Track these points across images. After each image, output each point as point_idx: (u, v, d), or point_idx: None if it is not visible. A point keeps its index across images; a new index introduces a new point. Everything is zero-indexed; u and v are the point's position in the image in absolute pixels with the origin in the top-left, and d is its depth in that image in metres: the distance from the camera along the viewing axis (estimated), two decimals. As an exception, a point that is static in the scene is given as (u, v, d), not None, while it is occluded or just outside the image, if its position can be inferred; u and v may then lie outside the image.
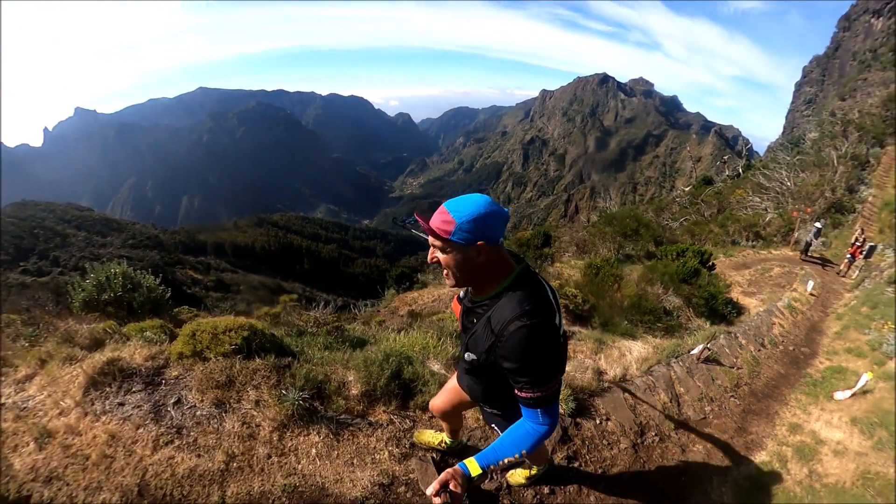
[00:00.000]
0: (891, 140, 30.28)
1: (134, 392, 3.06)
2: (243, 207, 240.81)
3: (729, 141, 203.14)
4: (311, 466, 2.70)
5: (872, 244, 14.27)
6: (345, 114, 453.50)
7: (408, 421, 3.21)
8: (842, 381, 5.22)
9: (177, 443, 2.73)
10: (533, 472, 2.87)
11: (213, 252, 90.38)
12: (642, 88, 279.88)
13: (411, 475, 2.76)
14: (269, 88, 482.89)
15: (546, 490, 2.82)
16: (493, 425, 2.21)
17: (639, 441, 3.42)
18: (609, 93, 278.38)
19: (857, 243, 14.25)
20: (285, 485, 2.58)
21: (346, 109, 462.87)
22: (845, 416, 4.29)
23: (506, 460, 1.70)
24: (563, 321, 5.20)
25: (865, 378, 4.82)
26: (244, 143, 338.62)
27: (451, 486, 1.54)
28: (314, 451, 2.76)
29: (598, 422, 3.43)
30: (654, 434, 3.54)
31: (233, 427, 2.84)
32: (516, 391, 1.72)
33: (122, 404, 2.95)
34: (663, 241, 13.57)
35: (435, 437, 3.04)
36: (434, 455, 2.97)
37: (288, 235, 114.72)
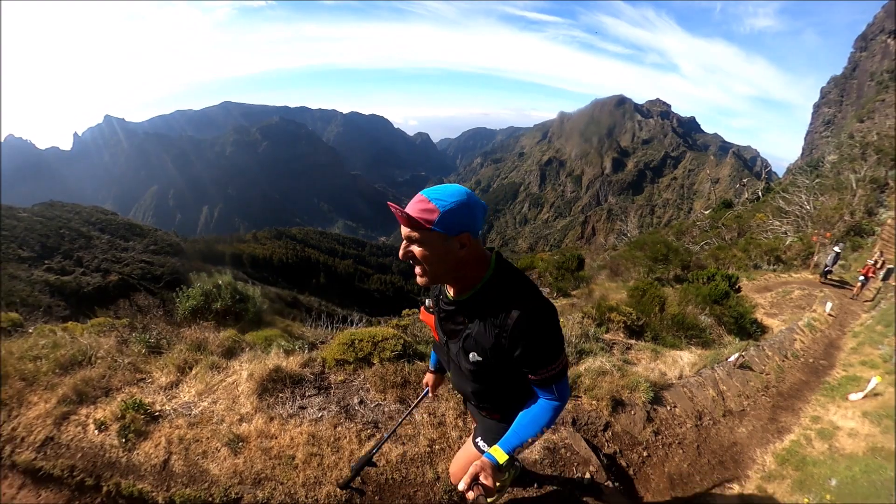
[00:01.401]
0: (910, 163, 30.34)
1: (309, 396, 3.48)
2: (262, 220, 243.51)
3: (747, 162, 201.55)
4: None
5: (891, 266, 14.57)
6: (365, 132, 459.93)
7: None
8: (856, 387, 5.89)
9: (378, 436, 3.16)
10: (505, 478, 2.74)
11: (231, 262, 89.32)
12: (659, 109, 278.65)
13: (566, 440, 3.38)
14: (293, 105, 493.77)
15: (645, 453, 3.50)
16: (478, 440, 2.20)
17: (699, 423, 4.22)
18: (626, 114, 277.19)
19: (871, 262, 14.55)
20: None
21: (366, 127, 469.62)
22: (858, 412, 5.04)
23: (529, 440, 1.71)
24: (620, 335, 5.83)
25: (875, 381, 5.55)
26: (265, 158, 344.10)
27: (482, 479, 1.55)
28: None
29: (668, 408, 4.21)
30: (708, 419, 4.31)
31: (422, 418, 3.37)
32: (529, 375, 1.72)
33: (303, 407, 3.34)
34: (690, 265, 14.09)
35: None
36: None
37: (305, 249, 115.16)
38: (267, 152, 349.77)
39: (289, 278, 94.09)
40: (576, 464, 3.10)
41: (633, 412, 3.77)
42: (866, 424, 4.64)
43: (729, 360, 5.65)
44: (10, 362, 3.36)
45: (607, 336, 5.79)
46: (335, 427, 3.19)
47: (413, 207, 1.58)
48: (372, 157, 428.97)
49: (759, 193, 43.05)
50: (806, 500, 3.05)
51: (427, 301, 2.00)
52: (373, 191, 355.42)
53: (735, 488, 3.37)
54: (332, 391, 3.57)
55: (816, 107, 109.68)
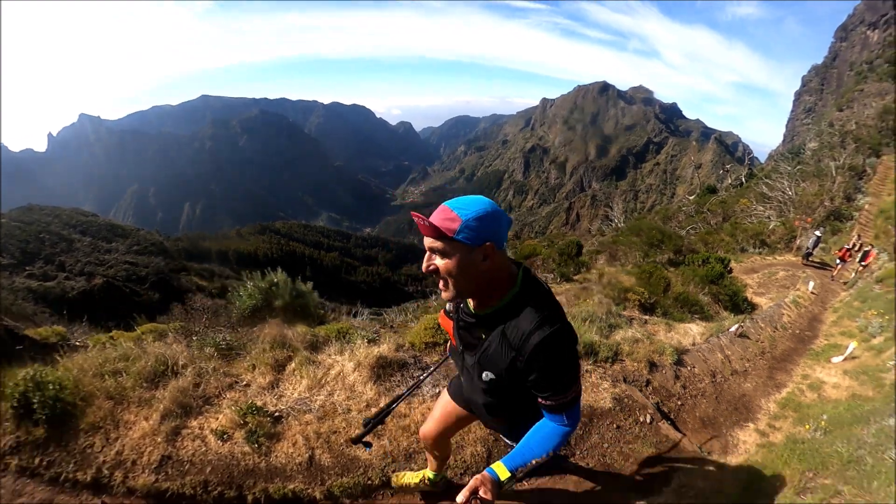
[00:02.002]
0: (886, 150, 31.74)
1: (417, 376, 3.72)
2: (245, 215, 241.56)
3: (729, 147, 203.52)
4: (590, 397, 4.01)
5: (867, 249, 15.62)
6: (347, 122, 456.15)
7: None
8: (837, 352, 6.91)
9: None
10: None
11: (216, 259, 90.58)
12: (642, 96, 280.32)
13: (627, 392, 4.12)
14: (272, 96, 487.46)
15: (679, 403, 4.39)
16: (501, 434, 2.23)
17: (714, 379, 5.14)
18: (609, 101, 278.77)
19: (846, 247, 15.71)
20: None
21: (348, 118, 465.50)
22: (839, 371, 6.05)
23: (533, 461, 1.68)
24: (635, 312, 6.64)
25: (852, 346, 6.61)
26: (246, 151, 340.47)
27: (482, 493, 1.52)
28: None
29: (688, 368, 5.11)
30: (720, 376, 5.22)
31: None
32: (540, 399, 1.70)
33: (418, 386, 3.38)
34: (682, 249, 15.02)
35: (415, 476, 2.97)
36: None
37: (290, 243, 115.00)
38: (247, 146, 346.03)
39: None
40: (637, 409, 3.90)
41: (664, 371, 4.65)
42: (846, 379, 5.62)
43: (730, 330, 6.55)
44: (86, 380, 3.22)
45: (625, 313, 6.61)
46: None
47: (436, 217, 1.57)
48: (354, 148, 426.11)
49: (743, 179, 44.19)
50: (807, 427, 3.95)
51: (448, 305, 1.98)
52: (356, 182, 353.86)
53: (750, 426, 4.28)
54: (434, 371, 3.98)
55: (798, 95, 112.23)
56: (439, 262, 1.59)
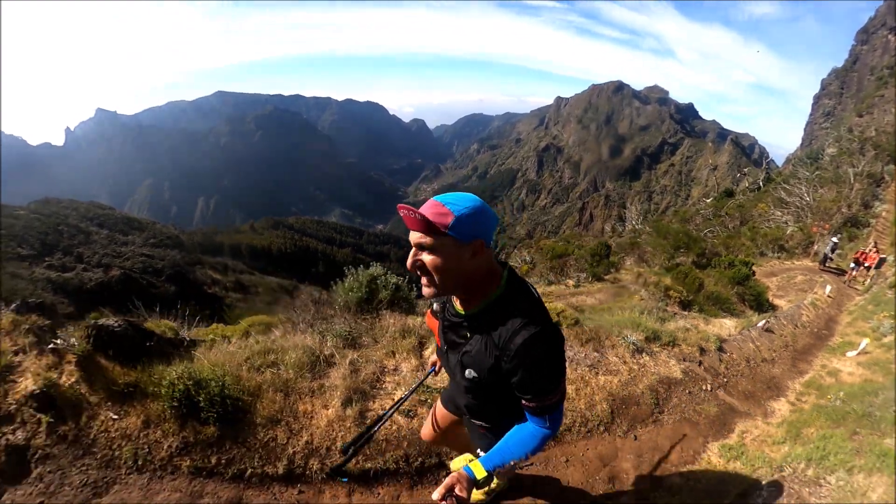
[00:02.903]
0: (905, 158, 31.96)
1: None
2: (258, 210, 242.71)
3: (745, 149, 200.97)
4: (656, 369, 4.93)
5: (884, 256, 16.11)
6: (360, 119, 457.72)
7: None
8: (851, 348, 7.79)
9: (598, 371, 4.47)
10: (494, 486, 2.79)
11: (229, 253, 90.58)
12: (657, 96, 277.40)
13: (690, 367, 5.09)
14: (286, 93, 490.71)
15: (724, 380, 5.38)
16: (475, 441, 2.18)
17: (748, 364, 6.11)
18: (624, 100, 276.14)
19: (864, 250, 16.07)
20: (649, 383, 4.56)
21: (361, 115, 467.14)
22: (853, 363, 6.98)
23: (512, 462, 1.68)
24: (675, 307, 7.55)
25: (865, 342, 7.56)
26: (260, 147, 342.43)
27: (457, 490, 1.53)
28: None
29: (728, 354, 6.09)
30: (753, 362, 6.20)
31: (612, 359, 4.70)
32: (523, 401, 1.69)
33: (574, 361, 4.52)
34: (706, 253, 15.86)
35: (463, 459, 2.85)
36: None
37: (303, 238, 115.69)
38: (262, 142, 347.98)
39: (288, 268, 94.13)
40: (699, 380, 4.93)
41: (710, 355, 5.65)
42: (860, 369, 6.58)
43: (758, 325, 7.49)
44: (246, 375, 3.41)
45: (668, 308, 7.54)
46: (583, 370, 4.46)
47: (427, 210, 1.55)
48: (367, 145, 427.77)
49: (760, 183, 44.51)
50: (828, 398, 4.92)
51: (434, 305, 2.01)
52: (369, 179, 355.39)
53: (782, 399, 5.26)
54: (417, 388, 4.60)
55: (817, 98, 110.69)
56: (426, 257, 1.58)
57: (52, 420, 2.85)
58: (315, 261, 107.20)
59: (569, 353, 4.61)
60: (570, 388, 4.04)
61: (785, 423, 4.46)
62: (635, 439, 3.75)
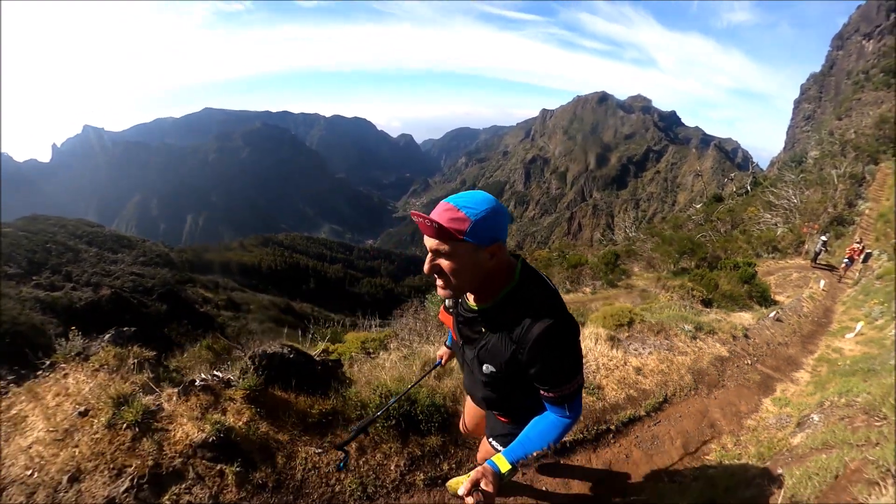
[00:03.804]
0: (884, 157, 33.07)
1: (637, 340, 5.44)
2: (247, 227, 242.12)
3: (728, 154, 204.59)
4: (709, 350, 5.63)
5: (869, 251, 17.13)
6: (348, 135, 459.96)
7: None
8: (848, 331, 8.97)
9: (674, 353, 5.32)
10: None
11: (219, 271, 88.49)
12: (640, 105, 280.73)
13: (733, 348, 5.95)
14: (274, 109, 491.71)
15: (754, 359, 6.29)
16: (492, 440, 2.18)
17: (768, 347, 7.15)
18: (608, 110, 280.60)
19: (855, 245, 16.90)
20: (710, 360, 5.42)
21: (349, 130, 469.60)
22: (852, 342, 8.14)
23: (535, 453, 1.66)
24: (698, 305, 8.27)
25: (860, 325, 8.88)
26: (249, 164, 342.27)
27: (483, 485, 1.51)
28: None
29: (751, 339, 7.12)
30: (772, 345, 7.22)
31: (678, 344, 5.61)
32: (542, 392, 1.69)
33: (640, 345, 5.32)
34: (707, 257, 16.70)
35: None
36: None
37: (294, 255, 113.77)
38: (250, 158, 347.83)
39: (279, 285, 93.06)
40: (741, 357, 6.03)
41: (740, 340, 6.62)
42: (858, 346, 7.75)
43: (770, 316, 8.39)
44: (432, 384, 3.57)
45: (693, 306, 8.32)
46: (649, 355, 5.22)
47: (441, 216, 1.51)
48: (356, 160, 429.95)
49: (748, 187, 45.44)
50: (839, 364, 5.82)
51: (447, 301, 1.98)
52: (358, 194, 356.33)
53: (801, 371, 6.18)
54: (640, 340, 5.58)
55: (797, 103, 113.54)
56: (444, 262, 1.57)
57: (238, 469, 2.63)
58: (306, 277, 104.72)
59: (648, 341, 5.60)
60: (662, 365, 5.01)
61: (811, 383, 5.58)
62: (715, 398, 4.74)
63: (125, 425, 2.64)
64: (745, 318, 8.10)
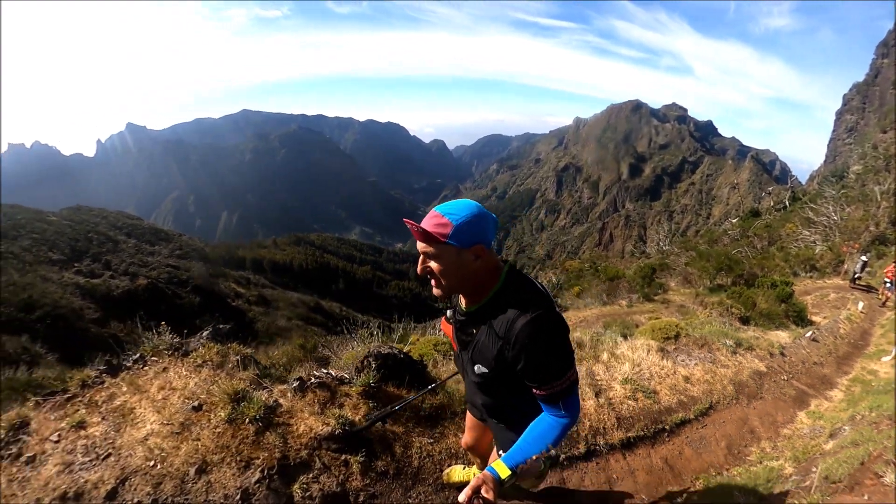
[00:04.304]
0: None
1: (678, 354, 5.82)
2: (280, 226, 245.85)
3: (766, 166, 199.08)
4: (748, 364, 6.07)
5: None
6: (381, 139, 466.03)
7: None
8: (885, 354, 9.07)
9: (717, 366, 5.70)
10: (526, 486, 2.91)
11: (252, 268, 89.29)
12: (676, 114, 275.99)
13: (771, 364, 6.29)
14: (310, 113, 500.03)
15: (790, 375, 6.65)
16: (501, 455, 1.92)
17: (804, 365, 7.47)
18: (642, 119, 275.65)
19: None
20: (749, 373, 5.83)
21: (382, 135, 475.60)
22: (887, 365, 8.31)
23: (533, 457, 1.68)
24: (736, 322, 8.60)
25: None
26: (284, 165, 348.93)
27: (483, 492, 1.53)
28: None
29: (787, 357, 7.42)
30: (807, 364, 7.54)
31: (720, 357, 6.01)
32: (534, 390, 1.72)
33: (687, 357, 5.77)
34: (744, 274, 16.77)
35: (466, 472, 3.07)
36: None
37: (324, 255, 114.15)
38: (285, 159, 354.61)
39: (309, 284, 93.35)
40: (778, 373, 6.49)
41: (776, 357, 6.90)
42: (892, 370, 7.91)
43: (806, 336, 8.64)
44: None
45: (732, 323, 8.65)
46: (695, 366, 5.61)
47: (428, 223, 1.66)
48: (388, 165, 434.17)
49: (786, 202, 44.69)
50: (872, 385, 6.05)
51: (448, 312, 2.06)
52: (389, 198, 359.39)
53: (836, 389, 6.51)
54: (686, 352, 6.04)
55: (839, 114, 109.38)
56: (433, 264, 1.70)
57: (363, 459, 2.89)
58: (335, 278, 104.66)
59: (694, 353, 6.08)
60: (707, 376, 5.45)
61: (844, 401, 5.92)
62: (754, 408, 5.19)
63: (247, 420, 2.86)
64: (781, 336, 8.38)
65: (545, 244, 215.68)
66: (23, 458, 2.77)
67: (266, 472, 2.69)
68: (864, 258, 18.69)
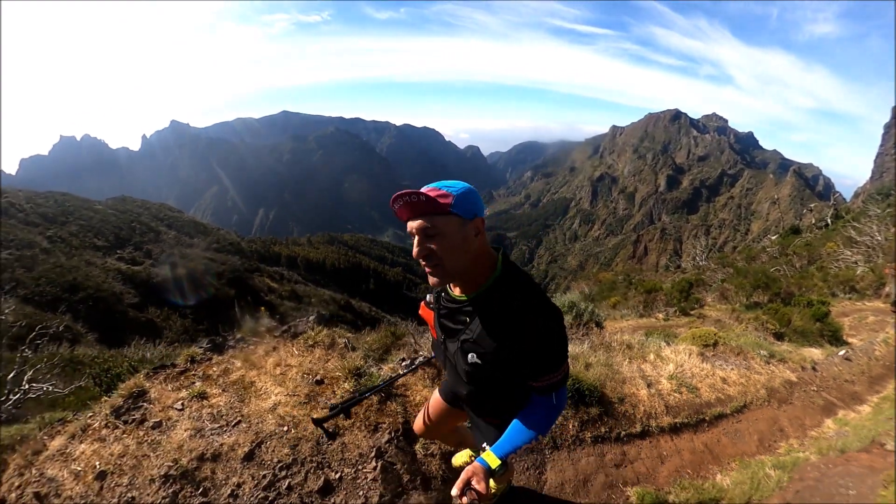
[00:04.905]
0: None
1: (715, 359, 6.30)
2: (314, 225, 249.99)
3: (808, 181, 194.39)
4: (780, 374, 6.58)
5: None
6: (416, 144, 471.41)
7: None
8: None
9: (751, 372, 6.17)
10: (494, 489, 2.76)
11: (286, 264, 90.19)
12: (715, 125, 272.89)
13: (807, 373, 6.70)
14: (347, 116, 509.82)
15: (820, 388, 7.00)
16: (484, 445, 1.90)
17: (835, 381, 7.75)
18: (681, 129, 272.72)
19: None
20: (781, 381, 6.41)
21: (417, 139, 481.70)
22: None
23: (523, 446, 1.69)
24: (770, 338, 9.06)
25: None
26: (320, 165, 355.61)
27: (474, 483, 1.53)
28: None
29: (818, 372, 7.76)
30: (839, 381, 7.84)
31: (754, 365, 6.71)
32: (530, 382, 1.71)
33: (724, 362, 6.23)
34: (781, 292, 16.95)
35: (465, 455, 3.07)
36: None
37: (357, 255, 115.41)
38: (322, 160, 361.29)
39: (340, 282, 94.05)
40: (807, 384, 6.97)
41: (808, 371, 7.28)
42: None
43: (839, 354, 8.93)
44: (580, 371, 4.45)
45: (766, 338, 9.09)
46: (742, 370, 6.23)
47: (427, 193, 1.55)
48: (422, 169, 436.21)
49: (828, 220, 43.73)
50: None
51: (428, 297, 2.00)
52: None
53: (863, 406, 6.80)
54: (723, 358, 6.71)
55: (887, 127, 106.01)
56: (435, 242, 1.59)
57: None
58: (367, 278, 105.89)
59: (730, 360, 6.65)
60: (742, 379, 5.97)
61: (872, 411, 6.41)
62: (784, 411, 5.72)
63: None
64: (814, 353, 8.73)
65: (578, 255, 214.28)
66: (148, 423, 3.14)
67: (393, 433, 3.21)
68: (907, 281, 18.38)
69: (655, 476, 3.75)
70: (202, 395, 3.41)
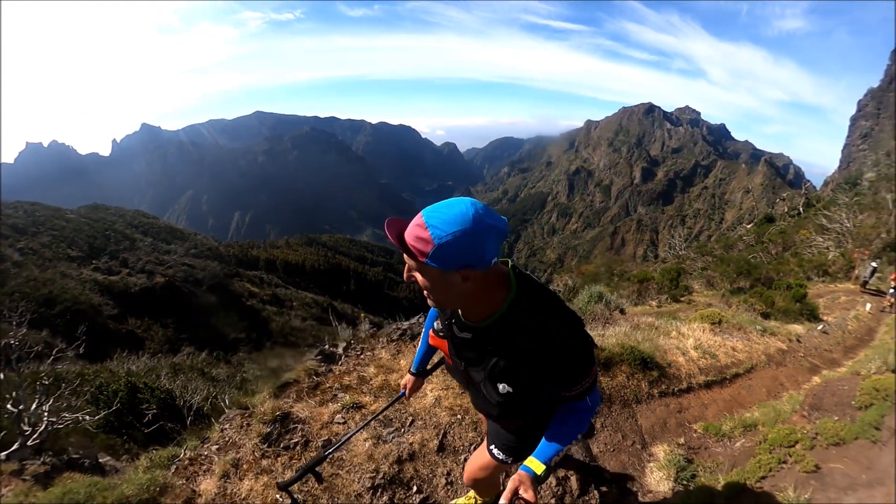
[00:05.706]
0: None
1: (726, 332, 7.28)
2: (292, 227, 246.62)
3: (780, 170, 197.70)
4: (774, 344, 7.51)
5: None
6: (393, 141, 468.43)
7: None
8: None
9: (751, 342, 7.37)
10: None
11: (264, 267, 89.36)
12: (689, 117, 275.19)
13: (790, 346, 7.60)
14: (322, 115, 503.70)
15: (810, 357, 7.99)
16: (493, 449, 2.14)
17: (816, 350, 9.01)
18: (655, 122, 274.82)
19: None
20: (775, 349, 7.35)
21: (394, 137, 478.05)
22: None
23: (564, 450, 1.70)
24: (759, 317, 10.08)
25: None
26: (296, 166, 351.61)
27: (522, 492, 1.52)
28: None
29: (802, 343, 8.88)
30: (819, 350, 9.10)
31: (753, 337, 7.73)
32: (562, 393, 1.64)
33: (729, 336, 7.25)
34: (761, 278, 18.23)
35: (468, 500, 2.87)
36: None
37: (336, 256, 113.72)
38: (298, 161, 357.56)
39: (321, 284, 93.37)
40: (795, 352, 8.10)
41: (794, 342, 8.28)
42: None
43: (818, 328, 10.06)
44: (632, 342, 5.46)
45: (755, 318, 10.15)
46: (745, 342, 7.17)
47: (410, 233, 1.40)
48: (400, 167, 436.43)
49: (800, 209, 45.08)
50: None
51: (436, 324, 1.89)
52: (400, 200, 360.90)
53: (841, 368, 7.93)
54: (728, 333, 7.67)
55: (853, 119, 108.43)
56: (417, 276, 1.50)
57: None
58: (347, 279, 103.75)
59: (734, 334, 7.76)
60: (746, 348, 7.12)
61: (851, 366, 7.51)
62: (781, 372, 6.92)
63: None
64: (797, 328, 9.94)
65: (556, 248, 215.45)
66: (315, 444, 3.18)
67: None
68: (874, 264, 19.75)
69: (706, 417, 4.88)
70: (357, 405, 3.55)
